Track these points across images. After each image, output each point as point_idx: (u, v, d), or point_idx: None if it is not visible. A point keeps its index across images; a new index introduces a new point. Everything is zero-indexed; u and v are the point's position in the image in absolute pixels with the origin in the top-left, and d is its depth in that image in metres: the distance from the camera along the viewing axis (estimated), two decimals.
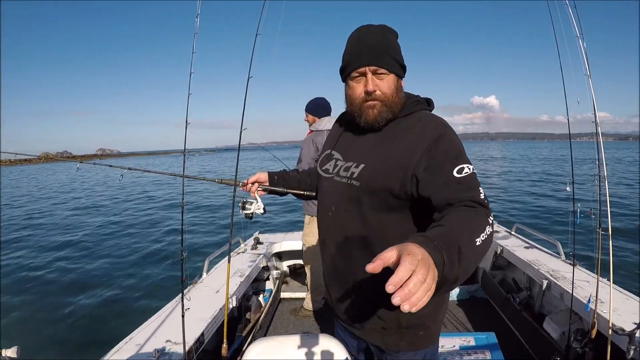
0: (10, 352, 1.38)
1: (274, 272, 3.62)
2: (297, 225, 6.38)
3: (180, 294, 2.06)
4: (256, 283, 3.33)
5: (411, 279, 0.49)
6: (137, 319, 2.21)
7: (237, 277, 2.80)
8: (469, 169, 0.92)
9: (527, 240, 3.39)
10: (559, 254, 2.94)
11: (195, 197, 14.10)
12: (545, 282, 2.58)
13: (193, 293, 2.52)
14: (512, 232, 3.61)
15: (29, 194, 19.03)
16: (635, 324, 1.76)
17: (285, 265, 3.90)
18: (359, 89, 1.06)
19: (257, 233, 3.81)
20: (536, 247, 3.20)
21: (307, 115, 3.07)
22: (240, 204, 1.55)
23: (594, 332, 1.80)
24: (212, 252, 3.10)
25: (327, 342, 1.25)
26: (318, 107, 3.01)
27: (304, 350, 1.40)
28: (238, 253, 3.39)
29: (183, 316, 1.83)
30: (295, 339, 1.44)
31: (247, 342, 2.53)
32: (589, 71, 2.41)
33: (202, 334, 2.02)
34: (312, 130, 2.98)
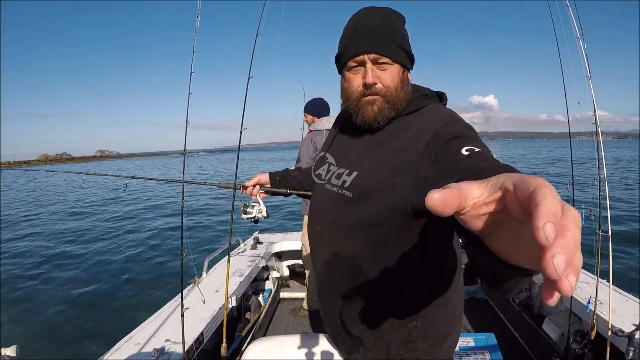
0: (10, 350, 1.38)
1: (274, 272, 3.62)
2: (297, 226, 6.38)
3: (180, 294, 2.07)
4: (256, 283, 3.33)
5: (566, 217, 0.26)
6: (136, 318, 2.22)
7: (237, 277, 2.80)
8: (483, 149, 0.73)
9: None
10: None
11: (195, 198, 14.10)
12: None
13: (192, 292, 2.52)
14: None
15: (28, 196, 19.04)
16: (635, 325, 1.76)
17: (284, 265, 3.90)
18: (356, 81, 0.89)
19: (256, 233, 3.81)
20: None
21: (305, 116, 3.07)
22: (241, 208, 1.49)
23: (593, 334, 1.80)
24: (211, 251, 3.11)
25: (326, 342, 1.25)
26: (317, 107, 3.02)
27: (304, 350, 1.40)
28: (238, 253, 3.40)
29: (182, 315, 1.83)
30: (295, 339, 1.45)
31: (247, 342, 2.53)
32: (590, 72, 2.41)
33: (202, 334, 2.02)
34: (311, 130, 2.98)
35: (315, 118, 3.00)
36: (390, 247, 0.85)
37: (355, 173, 0.89)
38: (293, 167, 1.70)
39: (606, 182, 2.04)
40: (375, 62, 0.87)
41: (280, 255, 3.86)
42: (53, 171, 2.71)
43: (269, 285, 3.56)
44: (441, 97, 0.97)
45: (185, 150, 2.24)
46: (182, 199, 2.17)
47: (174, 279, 5.17)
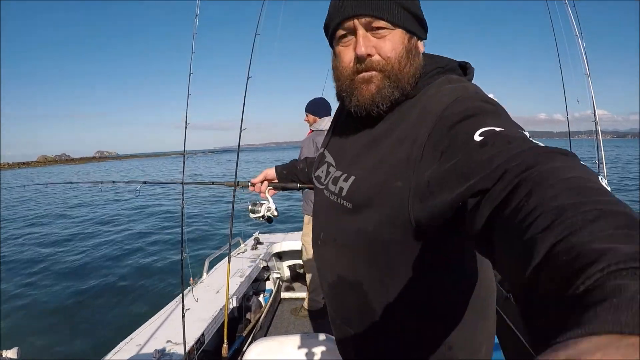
0: (11, 353, 1.38)
1: (274, 273, 3.62)
2: (297, 226, 6.38)
3: (181, 295, 2.07)
4: (256, 283, 3.33)
5: None
6: (137, 320, 2.22)
7: (237, 278, 2.80)
8: (507, 129, 0.51)
9: None
10: None
11: (196, 199, 14.10)
12: None
13: (193, 293, 2.52)
14: None
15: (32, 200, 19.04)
16: None
17: (285, 265, 3.91)
18: (347, 55, 0.69)
19: (257, 233, 3.82)
20: None
21: (307, 116, 3.05)
22: (249, 207, 1.38)
23: None
24: (212, 252, 3.11)
25: (327, 342, 1.26)
26: (318, 107, 3.00)
27: (304, 350, 1.40)
28: (238, 253, 3.40)
29: (183, 316, 1.84)
30: (296, 339, 1.45)
31: (248, 343, 2.53)
32: (589, 70, 2.42)
33: (203, 334, 2.02)
34: (313, 130, 2.97)
35: (317, 118, 2.99)
36: (398, 270, 0.67)
37: (352, 178, 0.70)
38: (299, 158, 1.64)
39: (606, 179, 2.04)
40: (369, 28, 0.66)
41: (281, 256, 3.86)
42: (72, 182, 2.81)
43: (269, 285, 3.56)
44: (465, 69, 0.74)
45: (184, 150, 2.25)
46: (182, 200, 2.17)
47: (174, 280, 5.16)
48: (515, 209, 0.37)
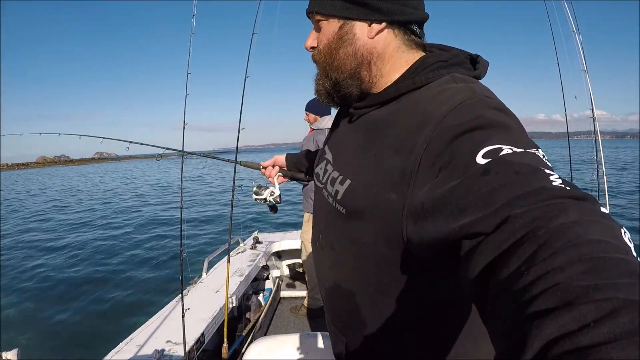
0: (11, 354, 1.38)
1: (274, 271, 3.62)
2: (296, 226, 6.38)
3: (180, 294, 2.07)
4: (256, 282, 3.33)
5: None
6: (137, 320, 2.22)
7: (237, 277, 2.81)
8: (516, 149, 0.44)
9: None
10: None
11: (194, 199, 14.10)
12: None
13: (193, 293, 2.52)
14: None
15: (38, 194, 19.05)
16: None
17: (284, 264, 3.91)
18: None
19: (256, 232, 3.82)
20: None
21: (307, 115, 3.05)
22: (254, 189, 1.39)
23: None
24: (211, 252, 3.11)
25: (326, 342, 1.26)
26: (319, 105, 2.99)
27: (304, 349, 1.41)
28: (237, 253, 3.40)
29: (183, 316, 1.84)
30: (295, 338, 1.45)
31: (247, 342, 2.53)
32: (586, 66, 2.42)
33: (203, 334, 2.02)
34: (314, 129, 2.97)
35: (318, 117, 2.99)
36: (388, 290, 0.62)
37: (348, 182, 0.65)
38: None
39: (605, 177, 2.04)
40: (316, 25, 0.68)
41: (280, 255, 3.86)
42: (103, 137, 2.04)
43: (269, 284, 3.56)
44: (475, 62, 0.66)
45: (183, 151, 2.24)
46: (181, 199, 2.17)
47: (173, 280, 5.17)
48: (515, 274, 0.32)
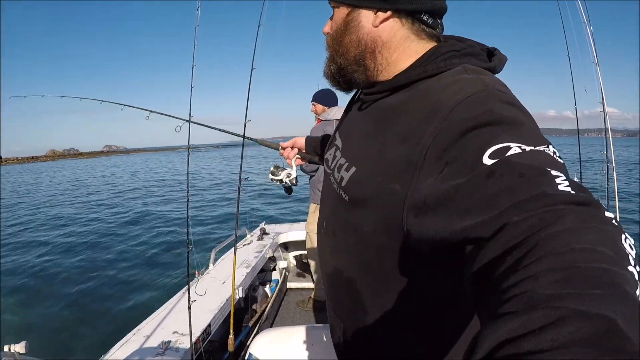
0: (19, 347, 1.38)
1: (281, 262, 3.62)
2: (303, 218, 6.38)
3: (187, 285, 2.07)
4: (262, 274, 3.33)
5: None
6: (144, 311, 2.23)
7: (243, 268, 2.80)
8: (525, 147, 0.42)
9: None
10: None
11: (202, 191, 14.18)
12: None
13: (199, 284, 2.52)
14: None
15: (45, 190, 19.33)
16: None
17: (291, 255, 3.91)
18: None
19: (263, 224, 3.82)
20: None
21: (314, 105, 3.04)
22: (270, 169, 1.38)
23: None
24: (218, 243, 3.11)
25: None
26: (327, 97, 3.00)
27: (310, 341, 1.39)
28: (244, 244, 3.40)
29: (190, 307, 1.83)
30: (302, 330, 1.44)
31: (254, 333, 2.54)
32: (597, 59, 2.36)
33: (209, 325, 2.02)
34: (322, 120, 2.95)
35: (326, 108, 2.98)
36: (391, 281, 0.61)
37: (353, 169, 0.65)
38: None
39: (615, 176, 1.99)
40: (332, 12, 0.70)
41: (287, 246, 3.86)
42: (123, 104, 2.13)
43: (275, 275, 3.56)
44: (491, 55, 0.64)
45: (189, 145, 2.22)
46: (187, 192, 2.16)
47: (180, 271, 5.21)
48: (498, 279, 0.32)
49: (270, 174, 1.37)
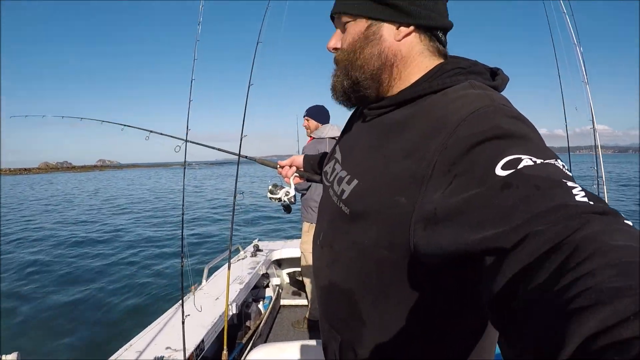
0: (11, 357, 1.38)
1: (274, 279, 3.61)
2: (296, 235, 6.38)
3: (180, 301, 2.07)
4: (256, 290, 3.32)
5: None
6: (137, 326, 2.21)
7: (237, 284, 2.80)
8: (537, 159, 0.43)
9: None
10: None
11: (195, 206, 14.11)
12: None
13: (193, 300, 2.52)
14: None
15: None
16: None
17: (285, 272, 3.90)
18: None
19: (256, 240, 3.82)
20: None
21: (307, 120, 2.98)
22: (269, 188, 1.40)
23: None
24: (211, 259, 3.11)
25: None
26: (321, 113, 2.96)
27: (304, 357, 1.40)
28: (238, 260, 3.39)
29: (183, 323, 1.83)
30: (296, 346, 1.45)
31: (247, 350, 2.52)
32: (587, 78, 2.45)
33: (202, 341, 2.01)
34: (314, 138, 2.91)
35: (319, 124, 2.94)
36: (392, 297, 0.60)
37: (355, 182, 0.64)
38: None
39: (605, 192, 2.04)
40: (341, 25, 0.69)
41: (280, 263, 3.85)
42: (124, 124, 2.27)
43: (269, 292, 3.55)
44: (494, 75, 0.65)
45: (185, 162, 2.23)
46: (183, 206, 2.18)
47: (174, 287, 5.15)
48: (546, 283, 0.32)
49: (268, 193, 1.38)
